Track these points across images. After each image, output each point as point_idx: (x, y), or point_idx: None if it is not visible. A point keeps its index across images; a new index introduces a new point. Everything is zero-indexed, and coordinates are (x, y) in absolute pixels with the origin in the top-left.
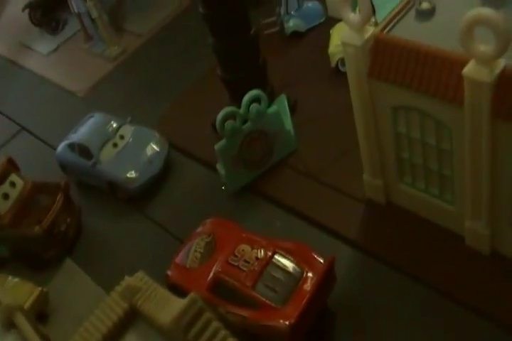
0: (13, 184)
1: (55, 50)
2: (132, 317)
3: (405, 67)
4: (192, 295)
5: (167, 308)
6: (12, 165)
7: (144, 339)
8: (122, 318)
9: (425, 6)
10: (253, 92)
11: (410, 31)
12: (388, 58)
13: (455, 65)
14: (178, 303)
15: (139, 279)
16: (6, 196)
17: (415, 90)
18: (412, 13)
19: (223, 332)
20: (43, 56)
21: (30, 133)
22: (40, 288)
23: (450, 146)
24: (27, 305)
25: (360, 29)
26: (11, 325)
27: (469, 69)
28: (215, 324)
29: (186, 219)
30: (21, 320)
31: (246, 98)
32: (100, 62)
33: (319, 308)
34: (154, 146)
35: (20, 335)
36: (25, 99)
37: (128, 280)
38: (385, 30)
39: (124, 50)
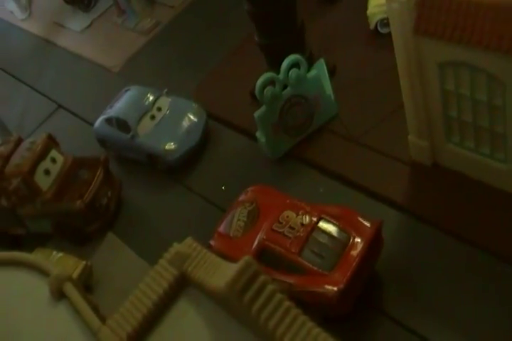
0: (53, 160)
1: (89, 26)
2: (183, 284)
3: (455, 20)
4: (246, 258)
5: (219, 273)
6: (52, 141)
7: (196, 306)
8: (173, 285)
9: None
10: (292, 57)
11: None
12: (436, 12)
13: (511, 14)
14: (231, 267)
15: (187, 245)
16: (47, 172)
17: (466, 43)
18: None
19: (279, 296)
20: (76, 33)
21: (68, 110)
22: (84, 262)
23: (503, 101)
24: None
25: None
26: (61, 295)
27: None
28: (271, 287)
29: (227, 189)
30: (71, 290)
31: (285, 63)
32: (134, 36)
33: (367, 273)
34: (192, 117)
35: (71, 305)
36: (61, 77)
37: (177, 247)
38: None
39: (157, 23)
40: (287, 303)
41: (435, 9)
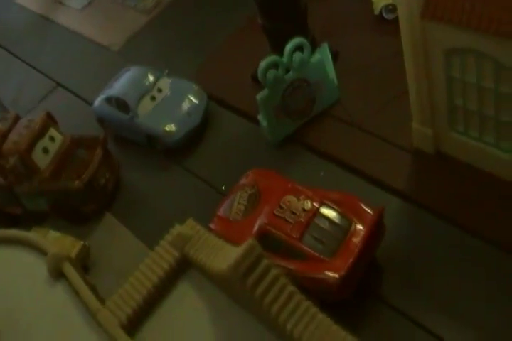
0: (52, 138)
1: (89, 4)
2: (184, 266)
3: (462, 4)
4: (250, 241)
5: (222, 256)
6: (51, 120)
7: (197, 289)
8: (174, 267)
9: None
10: (296, 40)
11: None
12: None
13: None
14: (234, 250)
15: (189, 227)
16: (45, 150)
17: (473, 29)
18: None
19: (283, 280)
20: (76, 11)
21: (66, 88)
22: (81, 242)
23: (509, 89)
24: None
25: None
26: (59, 275)
27: None
28: (275, 271)
29: (228, 172)
30: (70, 270)
31: (289, 46)
32: (134, 15)
33: (368, 261)
34: (193, 98)
35: (69, 285)
36: (60, 55)
37: (178, 229)
38: None
39: (159, 2)
40: (291, 288)
41: None
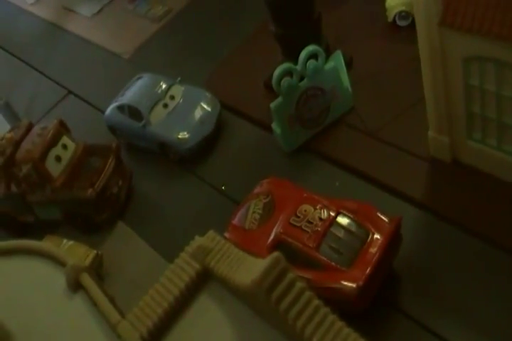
0: (65, 146)
1: (99, 12)
2: (205, 278)
3: (483, 12)
4: (275, 253)
5: (244, 269)
6: (64, 128)
7: (219, 302)
8: (194, 279)
9: None
10: (310, 48)
11: None
12: (463, 3)
13: None
14: (257, 263)
15: (210, 239)
16: (58, 158)
17: (494, 38)
18: None
19: (308, 294)
20: (87, 19)
21: (78, 96)
22: (95, 251)
23: None
24: None
25: None
26: (77, 286)
27: None
28: (300, 285)
29: (241, 180)
30: (88, 281)
31: (303, 54)
32: (145, 23)
33: (385, 271)
34: (205, 106)
35: (87, 296)
36: (71, 63)
37: (199, 240)
38: None
39: (170, 10)
40: (316, 302)
41: (463, 1)
